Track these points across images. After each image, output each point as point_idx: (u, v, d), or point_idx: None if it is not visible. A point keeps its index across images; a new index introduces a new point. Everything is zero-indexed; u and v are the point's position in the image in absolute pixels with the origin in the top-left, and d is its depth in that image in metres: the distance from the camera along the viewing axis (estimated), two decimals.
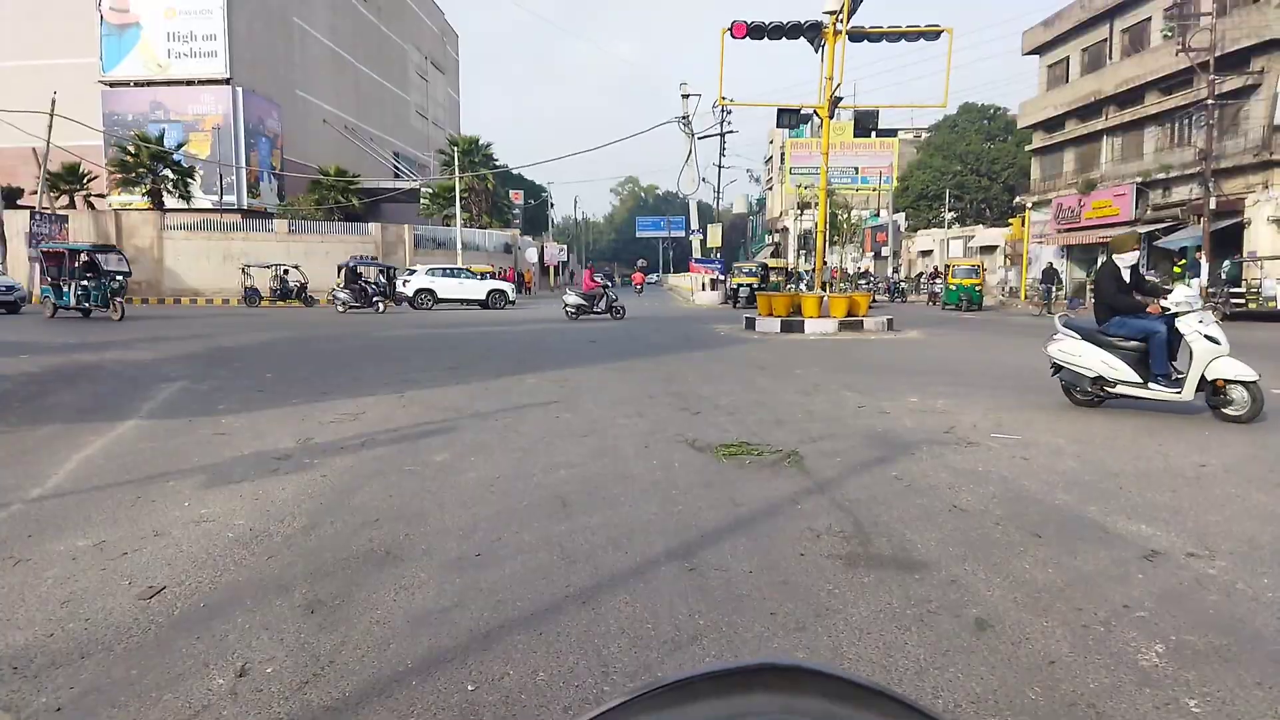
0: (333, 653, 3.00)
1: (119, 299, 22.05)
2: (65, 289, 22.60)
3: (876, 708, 0.43)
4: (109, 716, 2.56)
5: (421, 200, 51.93)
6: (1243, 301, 23.77)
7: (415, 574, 3.76)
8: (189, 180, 39.69)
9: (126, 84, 43.24)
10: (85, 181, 39.74)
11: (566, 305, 25.01)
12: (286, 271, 33.35)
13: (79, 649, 3.03)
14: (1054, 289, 29.55)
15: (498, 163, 54.27)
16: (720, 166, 50.64)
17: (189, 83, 43.00)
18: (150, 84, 43.08)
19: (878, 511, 4.71)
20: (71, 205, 39.13)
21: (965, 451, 6.27)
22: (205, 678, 2.82)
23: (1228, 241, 28.41)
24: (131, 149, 37.71)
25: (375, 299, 28.21)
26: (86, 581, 3.69)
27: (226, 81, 42.69)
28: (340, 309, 28.12)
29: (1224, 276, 24.87)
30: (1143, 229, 32.56)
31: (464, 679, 2.79)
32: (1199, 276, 27.86)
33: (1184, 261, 30.61)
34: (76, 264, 22.67)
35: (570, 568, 3.83)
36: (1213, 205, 28.26)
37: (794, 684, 0.44)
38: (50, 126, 33.85)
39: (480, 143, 53.60)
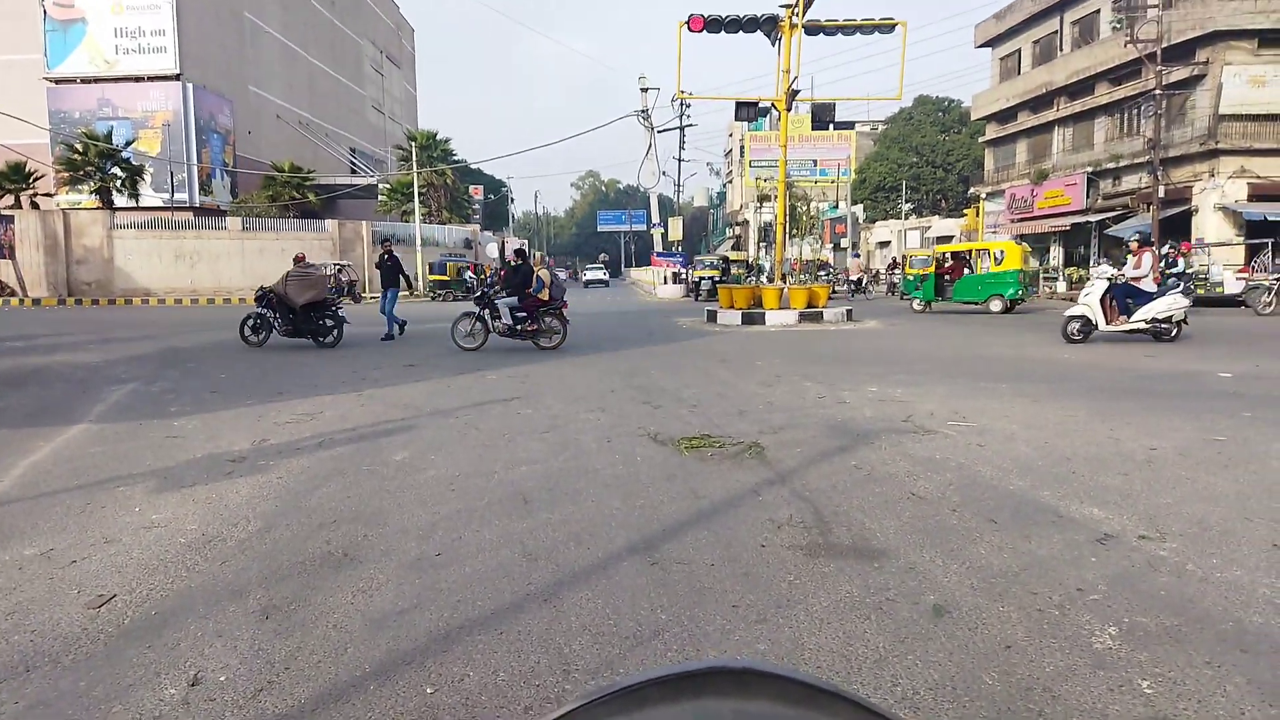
0: (288, 659, 2.94)
1: None
2: None
3: (828, 708, 0.43)
4: None
5: (379, 196, 51.25)
6: (1191, 287, 24.32)
7: (374, 575, 3.71)
8: (139, 179, 38.79)
9: (73, 81, 42.16)
10: (31, 180, 38.63)
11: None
12: (340, 270, 32.25)
13: (24, 661, 2.95)
14: None
15: (456, 157, 53.66)
16: (680, 160, 50.93)
17: (138, 79, 42.02)
18: (97, 80, 42.04)
19: (838, 500, 4.75)
20: (17, 205, 38.02)
21: (923, 439, 6.34)
22: (157, 688, 2.75)
23: (1177, 229, 29.01)
24: (79, 147, 36.75)
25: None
26: (33, 591, 3.59)
27: (176, 77, 41.78)
28: None
29: (1164, 263, 25.46)
30: (1093, 217, 33.22)
31: (423, 682, 2.76)
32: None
33: None
34: None
35: (532, 565, 3.81)
36: (1161, 193, 28.87)
37: (744, 687, 0.44)
38: None
39: (438, 138, 52.93)
